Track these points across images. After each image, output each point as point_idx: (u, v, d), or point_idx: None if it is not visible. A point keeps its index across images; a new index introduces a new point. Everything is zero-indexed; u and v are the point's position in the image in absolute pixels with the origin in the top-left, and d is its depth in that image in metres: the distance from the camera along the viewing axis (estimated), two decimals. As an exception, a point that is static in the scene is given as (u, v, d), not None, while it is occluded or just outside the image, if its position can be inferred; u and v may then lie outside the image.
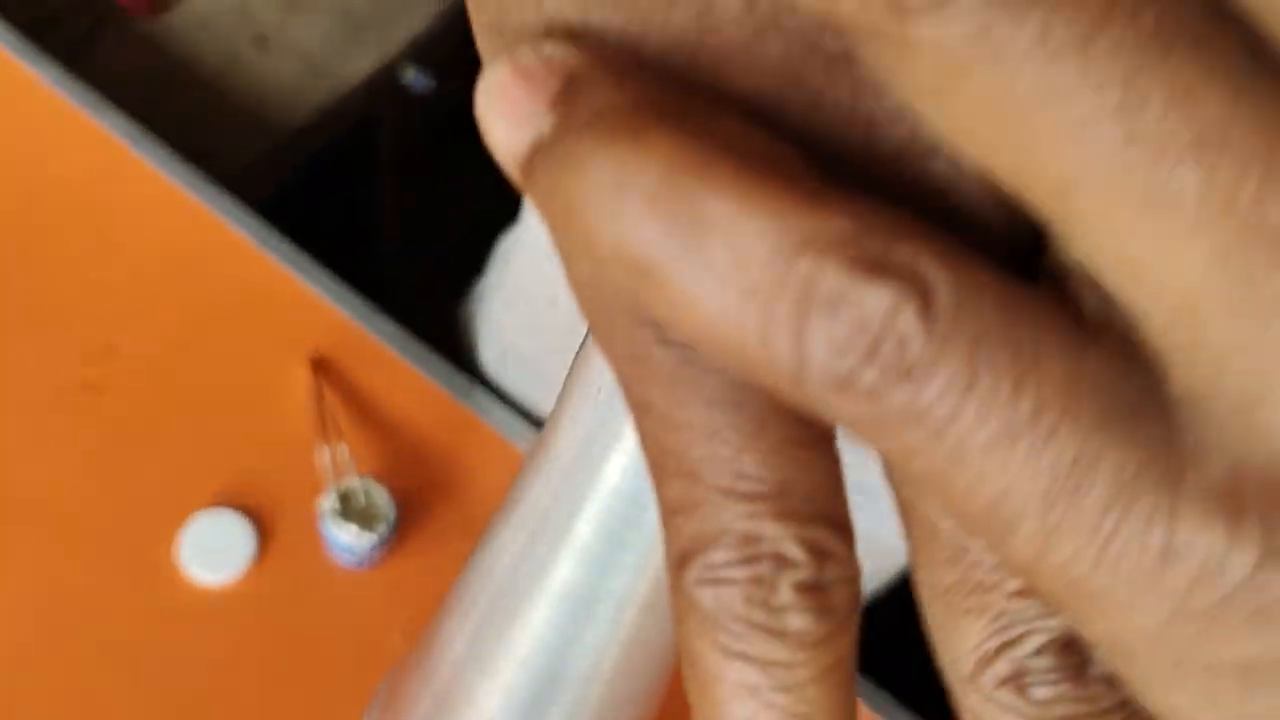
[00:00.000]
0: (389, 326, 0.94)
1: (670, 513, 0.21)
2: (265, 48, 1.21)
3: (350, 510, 0.83)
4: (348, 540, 0.82)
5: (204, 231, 0.95)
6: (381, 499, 0.84)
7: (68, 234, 0.94)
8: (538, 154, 0.20)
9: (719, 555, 0.20)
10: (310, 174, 1.25)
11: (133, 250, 0.94)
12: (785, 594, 0.20)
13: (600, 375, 0.28)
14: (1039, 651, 0.21)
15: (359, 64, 1.22)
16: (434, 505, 0.89)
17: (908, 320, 0.17)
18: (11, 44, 0.99)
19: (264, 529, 0.86)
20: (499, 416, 0.93)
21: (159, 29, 1.19)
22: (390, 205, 1.40)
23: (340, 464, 0.85)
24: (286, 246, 0.96)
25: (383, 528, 0.83)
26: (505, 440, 0.92)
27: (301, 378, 0.90)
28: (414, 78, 1.27)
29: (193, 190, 0.96)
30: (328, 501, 0.83)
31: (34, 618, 0.82)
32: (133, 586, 0.84)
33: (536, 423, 0.95)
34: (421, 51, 1.26)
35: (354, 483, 0.84)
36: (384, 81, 1.24)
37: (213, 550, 0.84)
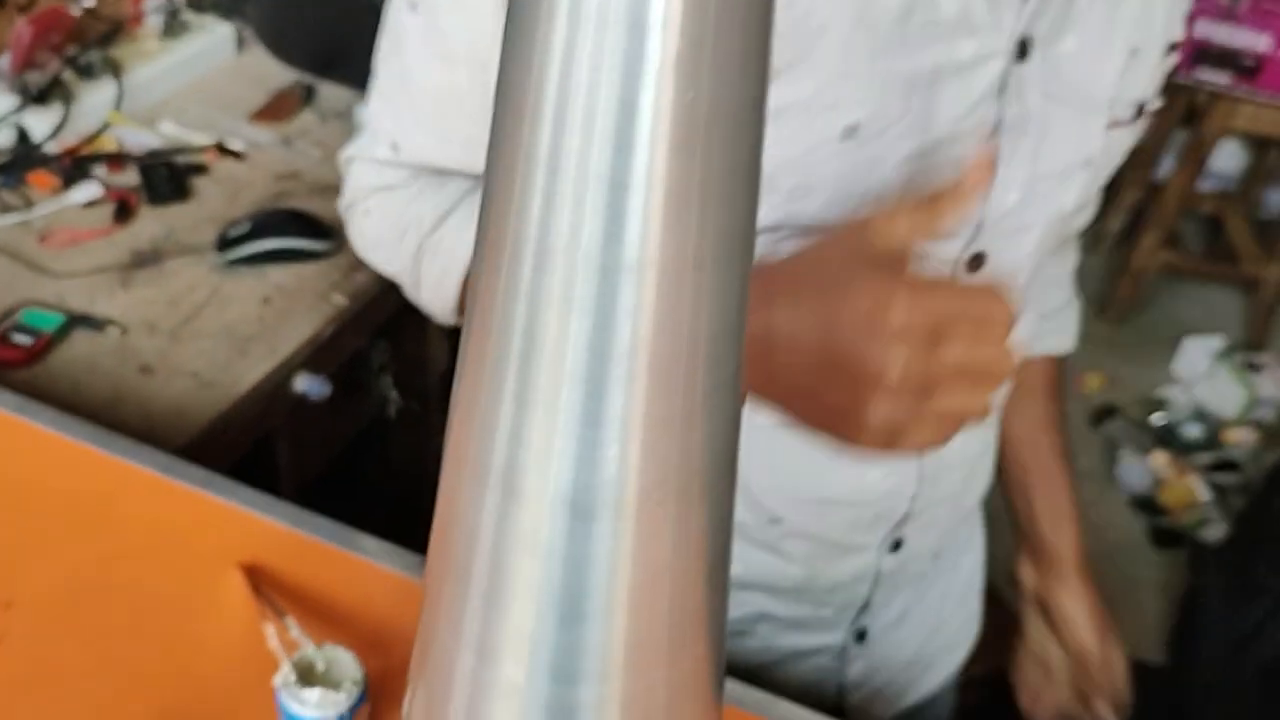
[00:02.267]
0: (324, 523, 0.84)
1: None
2: (151, 374, 1.15)
3: (311, 679, 0.69)
4: (311, 714, 0.68)
5: (104, 475, 0.85)
6: (346, 661, 0.70)
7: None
8: None
9: None
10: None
11: (27, 506, 0.83)
12: None
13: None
14: None
15: (249, 375, 1.18)
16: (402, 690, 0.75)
17: None
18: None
19: (212, 749, 0.70)
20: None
21: (40, 375, 1.13)
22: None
23: (289, 640, 0.72)
24: (196, 471, 0.86)
25: (350, 688, 0.69)
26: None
27: (232, 589, 0.78)
28: (306, 384, 1.22)
29: (85, 439, 0.87)
30: (283, 675, 0.69)
31: None
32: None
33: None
34: (310, 358, 1.23)
35: (310, 651, 0.71)
36: (275, 389, 1.19)
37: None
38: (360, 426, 1.44)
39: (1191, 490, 2.31)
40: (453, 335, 1.62)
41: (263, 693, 0.71)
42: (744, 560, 0.84)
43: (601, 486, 0.36)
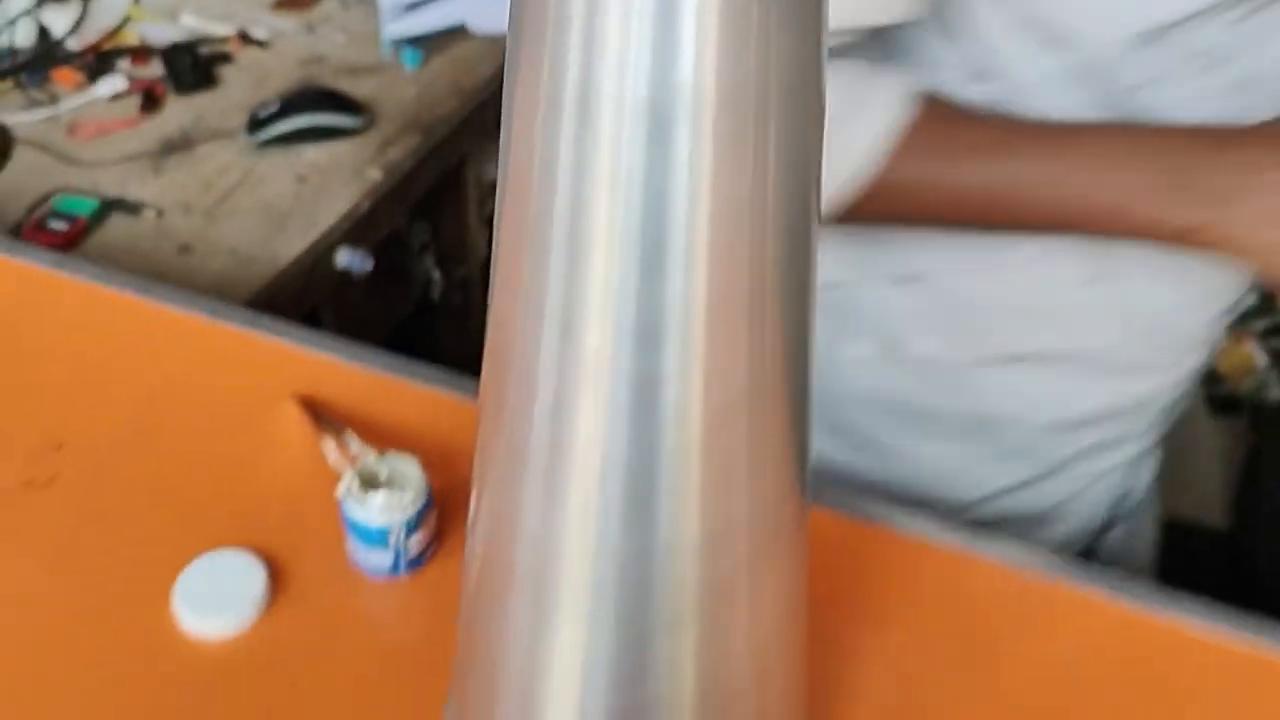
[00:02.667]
0: (378, 355, 0.81)
1: None
2: (190, 253, 1.12)
3: (375, 488, 0.66)
4: (377, 519, 0.65)
5: (149, 322, 0.82)
6: (410, 468, 0.67)
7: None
8: None
9: None
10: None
11: (73, 355, 0.80)
12: None
13: None
14: None
15: (288, 249, 1.15)
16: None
17: None
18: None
19: (277, 567, 0.67)
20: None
21: (77, 256, 1.11)
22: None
23: (350, 454, 0.69)
24: (242, 313, 0.84)
25: (414, 496, 0.66)
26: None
27: (288, 419, 0.75)
28: (347, 258, 1.19)
29: (127, 289, 0.85)
30: (345, 484, 0.66)
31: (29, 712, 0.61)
32: (132, 658, 0.64)
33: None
34: (349, 234, 1.19)
35: (372, 460, 0.68)
36: (315, 263, 1.16)
37: (215, 595, 0.65)
38: (405, 312, 1.41)
39: (1248, 357, 2.25)
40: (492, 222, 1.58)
41: (327, 511, 0.68)
42: (1089, 394, 0.81)
43: (679, 88, 0.32)
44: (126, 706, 0.62)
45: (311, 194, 1.20)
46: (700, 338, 0.36)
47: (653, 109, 0.32)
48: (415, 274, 1.38)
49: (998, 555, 0.70)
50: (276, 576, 0.67)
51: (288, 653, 0.64)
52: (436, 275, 1.39)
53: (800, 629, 0.48)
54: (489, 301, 0.41)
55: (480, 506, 0.45)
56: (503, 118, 0.36)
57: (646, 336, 0.36)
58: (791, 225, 0.36)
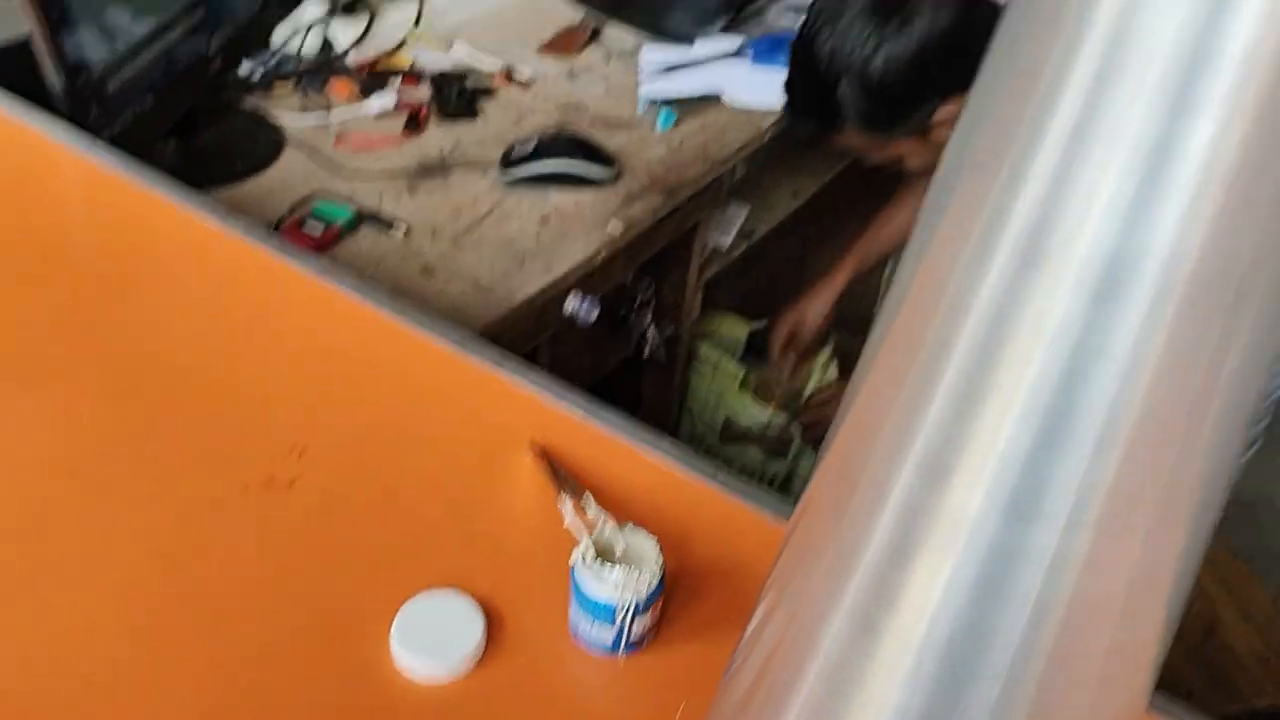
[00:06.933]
0: (619, 419, 0.78)
1: None
2: (432, 275, 1.13)
3: (610, 561, 0.63)
4: (609, 595, 0.62)
5: (399, 344, 0.82)
6: (648, 546, 0.64)
7: (248, 350, 0.81)
8: None
9: None
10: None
11: (323, 365, 0.80)
12: None
13: None
14: None
15: (525, 288, 1.14)
16: (696, 594, 0.68)
17: None
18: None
19: (494, 618, 0.65)
20: (754, 496, 0.74)
21: (339, 264, 1.12)
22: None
23: (587, 519, 0.66)
24: (490, 350, 0.82)
25: (650, 577, 0.62)
26: (769, 522, 0.72)
27: (522, 466, 0.73)
28: (575, 304, 1.18)
29: (383, 307, 0.84)
30: (581, 551, 0.63)
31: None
32: (343, 683, 0.62)
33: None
34: (580, 282, 1.18)
35: (609, 531, 0.65)
36: (546, 304, 1.16)
37: (432, 637, 0.63)
38: (615, 363, 1.40)
39: None
40: (708, 287, 1.56)
41: (554, 570, 0.66)
42: None
43: (1145, 254, 0.28)
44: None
45: (552, 237, 1.20)
46: (1090, 524, 0.32)
47: (1112, 266, 0.28)
48: (633, 328, 1.37)
49: None
50: (493, 627, 0.65)
51: (496, 711, 0.61)
52: (652, 331, 1.37)
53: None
54: (836, 423, 0.38)
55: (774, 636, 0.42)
56: (911, 242, 0.33)
57: (1024, 508, 0.32)
58: (1231, 429, 0.32)
